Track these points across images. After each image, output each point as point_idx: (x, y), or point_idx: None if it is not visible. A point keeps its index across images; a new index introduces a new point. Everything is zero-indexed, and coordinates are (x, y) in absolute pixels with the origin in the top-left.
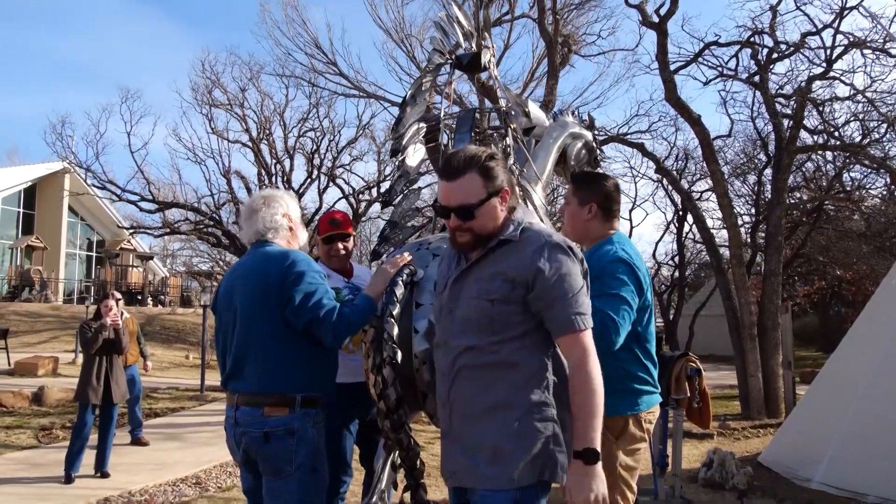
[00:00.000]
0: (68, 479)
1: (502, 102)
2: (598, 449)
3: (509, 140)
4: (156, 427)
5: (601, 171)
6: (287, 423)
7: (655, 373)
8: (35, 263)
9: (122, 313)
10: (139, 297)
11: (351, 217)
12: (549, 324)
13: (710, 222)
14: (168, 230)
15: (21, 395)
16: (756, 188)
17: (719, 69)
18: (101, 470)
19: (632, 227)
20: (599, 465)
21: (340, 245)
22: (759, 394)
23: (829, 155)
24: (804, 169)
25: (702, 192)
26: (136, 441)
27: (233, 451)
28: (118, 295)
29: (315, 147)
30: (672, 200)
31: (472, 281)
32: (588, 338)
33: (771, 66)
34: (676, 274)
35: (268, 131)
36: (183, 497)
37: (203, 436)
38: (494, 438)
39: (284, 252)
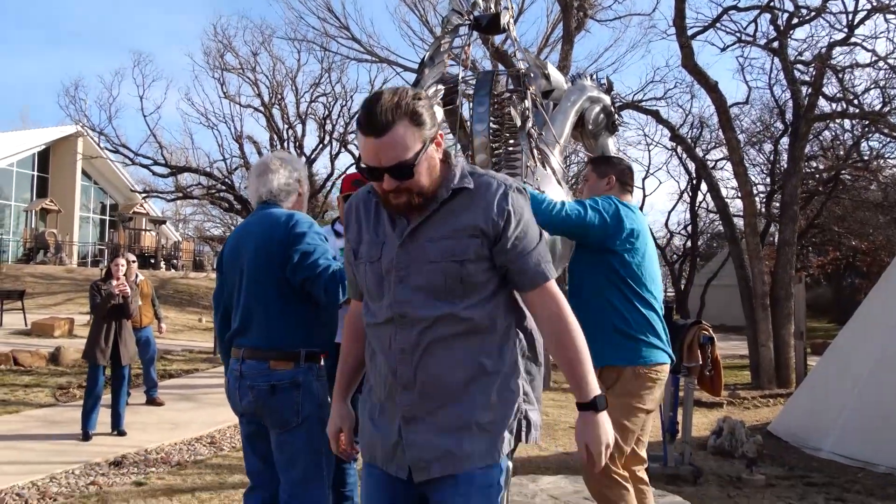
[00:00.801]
0: (86, 437)
1: (521, 64)
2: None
3: (528, 103)
4: (170, 388)
5: (618, 137)
6: (292, 377)
7: (659, 327)
8: (49, 226)
9: (136, 276)
10: (152, 261)
11: None
12: (517, 276)
13: (724, 191)
14: (181, 195)
15: (38, 354)
16: (772, 157)
17: (737, 35)
18: (117, 428)
19: (644, 196)
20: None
21: None
22: (769, 364)
23: (847, 123)
24: (821, 137)
25: (716, 161)
26: (152, 401)
27: (234, 401)
28: (132, 257)
29: (327, 113)
30: (686, 169)
31: (425, 242)
32: (556, 287)
33: (790, 32)
34: (689, 244)
35: (280, 96)
36: (198, 455)
37: (217, 397)
38: (479, 412)
39: (289, 214)
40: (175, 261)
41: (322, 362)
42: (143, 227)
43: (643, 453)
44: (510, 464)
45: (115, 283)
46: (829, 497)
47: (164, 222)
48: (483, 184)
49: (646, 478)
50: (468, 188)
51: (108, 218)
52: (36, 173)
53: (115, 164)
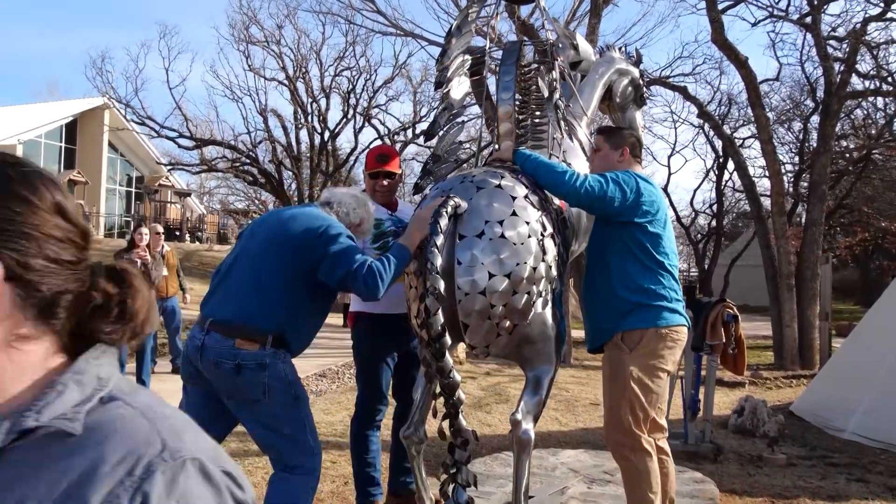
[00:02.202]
0: None
1: (550, 35)
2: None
3: (555, 74)
4: None
5: (644, 113)
6: (259, 358)
7: (679, 293)
8: (77, 198)
9: (162, 247)
10: (177, 233)
11: (399, 155)
12: None
13: (751, 170)
14: (205, 167)
15: None
16: (801, 135)
17: (769, 9)
18: None
19: (670, 174)
20: None
21: (385, 181)
22: (793, 344)
23: (880, 101)
24: (853, 116)
25: (744, 139)
26: (177, 370)
27: (186, 368)
28: (159, 228)
29: (351, 86)
30: (713, 147)
31: None
32: None
33: (824, 7)
34: (713, 223)
35: (304, 70)
36: None
37: None
38: None
39: (323, 216)
40: (200, 233)
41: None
42: (169, 200)
43: (663, 421)
44: None
45: (136, 251)
46: (851, 477)
47: (189, 195)
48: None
49: (666, 447)
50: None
51: (133, 190)
52: (63, 145)
53: (140, 137)
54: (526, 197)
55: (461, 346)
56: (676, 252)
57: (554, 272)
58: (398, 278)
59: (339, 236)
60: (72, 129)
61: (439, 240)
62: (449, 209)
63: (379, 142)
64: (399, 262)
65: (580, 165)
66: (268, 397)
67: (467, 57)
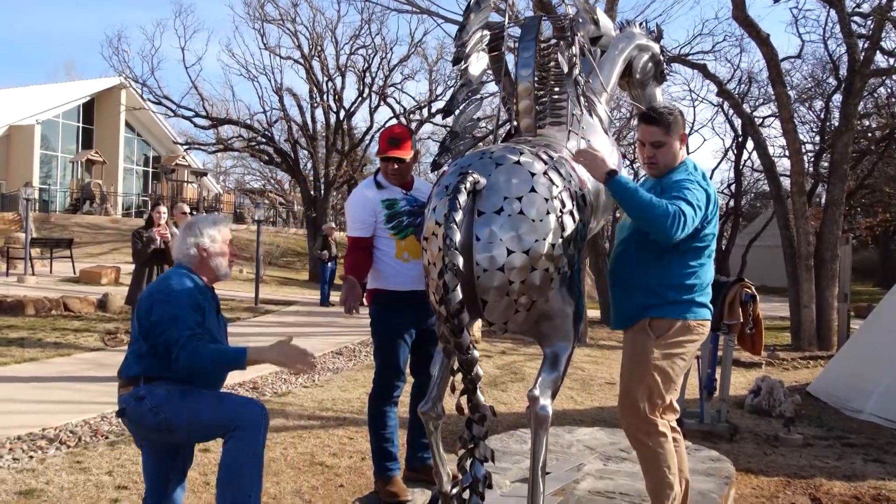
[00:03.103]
0: None
1: (570, 9)
2: None
3: (575, 49)
4: None
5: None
6: (134, 394)
7: (710, 285)
8: (95, 177)
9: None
10: (194, 212)
11: (410, 135)
12: None
13: (770, 149)
14: (222, 147)
15: (87, 301)
16: (823, 114)
17: None
18: None
19: (688, 153)
20: None
21: (395, 165)
22: (811, 325)
23: None
24: (876, 94)
25: (764, 118)
26: None
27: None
28: (186, 208)
29: (366, 65)
30: (732, 126)
31: None
32: None
33: None
34: (731, 203)
35: (319, 48)
36: None
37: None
38: None
39: (161, 287)
40: (217, 213)
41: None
42: (185, 180)
43: (676, 404)
44: None
45: (155, 229)
46: (868, 458)
47: (205, 174)
48: None
49: (678, 428)
50: None
51: (150, 170)
52: (81, 125)
53: (157, 116)
54: (545, 173)
55: (477, 325)
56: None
57: (572, 249)
58: None
59: (159, 311)
60: (89, 109)
61: (458, 216)
62: (468, 185)
63: (394, 121)
64: (221, 359)
65: (599, 142)
66: (163, 414)
67: (486, 32)
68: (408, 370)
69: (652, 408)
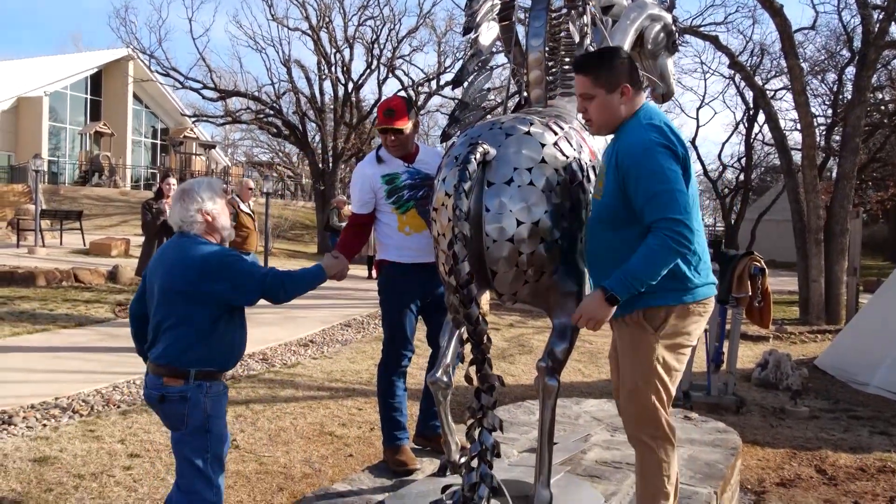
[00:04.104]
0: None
1: None
2: None
3: (586, 19)
4: None
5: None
6: (181, 391)
7: (707, 257)
8: (103, 150)
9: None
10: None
11: (408, 106)
12: None
13: (782, 123)
14: (230, 119)
15: (97, 272)
16: (835, 87)
17: None
18: None
19: (698, 127)
20: None
21: (393, 136)
22: (819, 299)
23: None
24: (890, 67)
25: (776, 91)
26: None
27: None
28: (172, 181)
29: (375, 36)
30: (743, 99)
31: None
32: None
33: None
34: (741, 177)
35: (328, 19)
36: (251, 371)
37: (267, 317)
38: None
39: (204, 254)
40: (225, 185)
41: (213, 381)
42: (194, 152)
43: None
44: None
45: (165, 201)
46: (874, 430)
47: (213, 147)
48: None
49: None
50: None
51: (159, 142)
52: (89, 97)
53: (165, 88)
54: (555, 144)
55: (485, 299)
56: (698, 202)
57: (582, 220)
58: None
59: (233, 264)
60: (97, 81)
61: (467, 186)
62: (478, 156)
63: (403, 93)
64: (312, 279)
65: None
66: (186, 427)
67: (496, 2)
68: (418, 342)
69: (660, 403)
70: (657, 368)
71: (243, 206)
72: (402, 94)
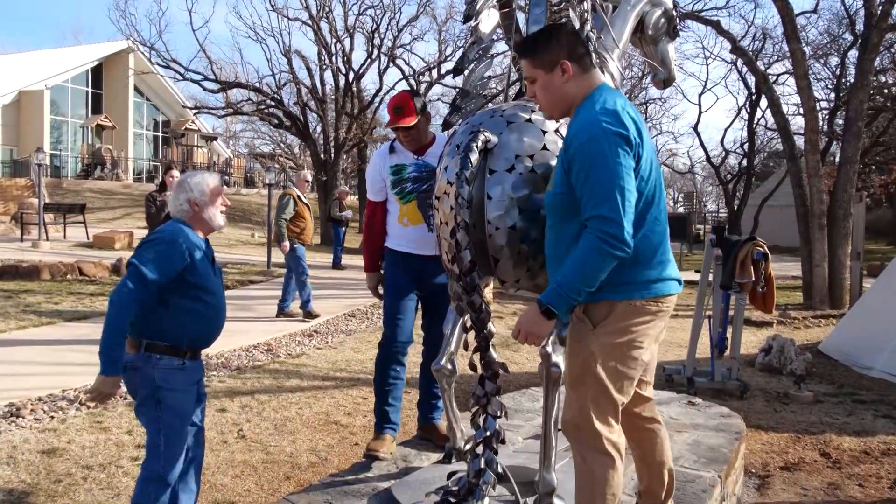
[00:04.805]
0: None
1: None
2: None
3: (587, 4)
4: (227, 299)
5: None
6: (132, 361)
7: (665, 249)
8: (105, 143)
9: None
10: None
11: (415, 99)
12: None
13: (784, 108)
14: (231, 110)
15: (101, 265)
16: (838, 70)
17: None
18: None
19: (700, 113)
20: None
21: (403, 133)
22: (823, 284)
23: None
24: (893, 50)
25: (778, 75)
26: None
27: None
28: (175, 173)
29: (375, 26)
30: (745, 84)
31: None
32: None
33: None
34: (744, 162)
35: (328, 8)
36: (256, 361)
37: (272, 308)
38: None
39: (155, 233)
40: (227, 177)
41: (165, 356)
42: (196, 144)
43: (648, 392)
44: None
45: (168, 193)
46: (878, 414)
47: (215, 139)
48: None
49: (655, 414)
50: None
51: (160, 134)
52: (90, 90)
53: (166, 80)
54: (556, 131)
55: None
56: (661, 186)
57: None
58: None
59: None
60: (97, 74)
61: (469, 174)
62: (479, 144)
63: (403, 83)
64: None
65: None
66: (137, 398)
67: None
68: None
69: (599, 413)
70: (596, 370)
71: (304, 198)
72: (406, 86)
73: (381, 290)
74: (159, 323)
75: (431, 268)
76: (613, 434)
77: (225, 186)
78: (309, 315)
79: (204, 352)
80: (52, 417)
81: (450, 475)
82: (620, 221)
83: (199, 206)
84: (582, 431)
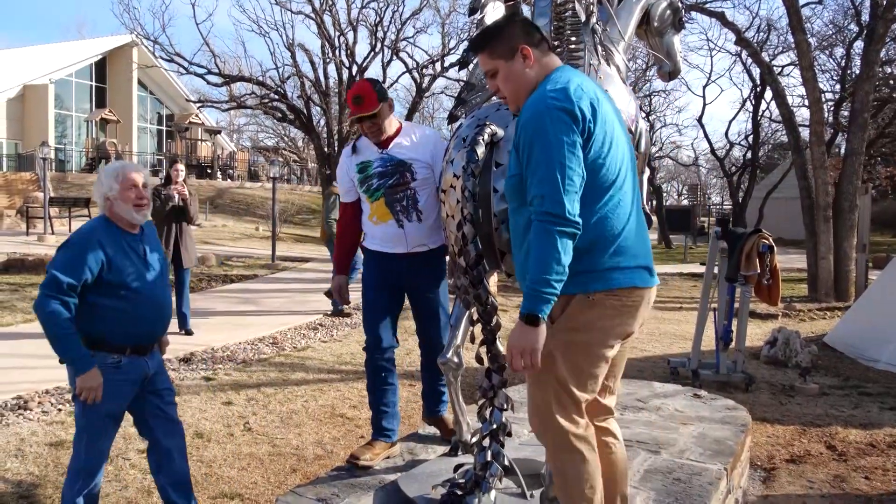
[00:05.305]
0: None
1: None
2: None
3: None
4: (233, 292)
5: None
6: None
7: (631, 239)
8: (109, 136)
9: None
10: (209, 171)
11: (376, 87)
12: None
13: (789, 99)
14: (235, 104)
15: None
16: (843, 62)
17: None
18: (184, 328)
19: (704, 105)
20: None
21: (368, 123)
22: (828, 276)
23: None
24: None
25: (783, 67)
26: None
27: None
28: (180, 167)
29: (378, 19)
30: (750, 75)
31: None
32: None
33: None
34: (749, 154)
35: (331, 2)
36: (261, 354)
37: (277, 301)
38: None
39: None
40: (231, 171)
41: (98, 352)
42: (199, 138)
43: (610, 402)
44: None
45: (173, 186)
46: (884, 406)
47: (219, 132)
48: None
49: (613, 428)
50: None
51: (164, 128)
52: (94, 84)
53: (169, 74)
54: None
55: (493, 279)
56: (628, 166)
57: None
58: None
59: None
60: (101, 68)
61: (475, 167)
62: (486, 137)
63: (407, 76)
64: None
65: (617, 92)
66: (72, 393)
67: None
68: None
69: (562, 411)
70: (552, 368)
71: None
72: (410, 80)
73: (342, 294)
74: (86, 321)
75: (405, 266)
76: (580, 429)
77: (229, 179)
78: (339, 314)
79: (210, 344)
80: (60, 410)
81: (456, 468)
82: (560, 199)
83: (111, 201)
84: (547, 431)
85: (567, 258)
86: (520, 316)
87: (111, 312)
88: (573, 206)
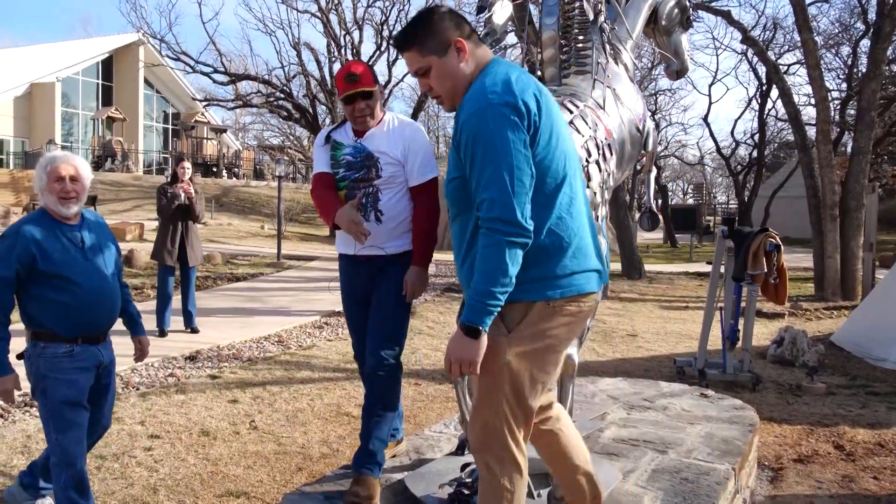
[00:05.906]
0: (162, 333)
1: None
2: None
3: None
4: (238, 290)
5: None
6: (26, 349)
7: (585, 241)
8: (115, 135)
9: None
10: (214, 169)
11: (371, 70)
12: None
13: (795, 98)
14: (240, 103)
15: None
16: (850, 60)
17: None
18: (190, 326)
19: (710, 103)
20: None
21: (363, 104)
22: (835, 275)
23: None
24: None
25: (789, 66)
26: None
27: None
28: (187, 164)
29: (384, 17)
30: (756, 74)
31: None
32: None
33: None
34: (755, 153)
35: (337, 0)
36: (267, 353)
37: (282, 300)
38: None
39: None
40: (236, 169)
41: (50, 342)
42: (205, 136)
43: (550, 396)
44: None
45: (179, 184)
46: (892, 406)
47: (224, 131)
48: None
49: (554, 412)
50: None
51: (170, 127)
52: (100, 82)
53: (175, 73)
54: (571, 122)
55: None
56: (574, 164)
57: (598, 199)
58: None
59: None
60: (108, 66)
61: None
62: None
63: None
64: None
65: (624, 90)
66: (31, 386)
67: None
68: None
69: (510, 425)
70: (508, 379)
71: None
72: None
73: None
74: (32, 312)
75: (364, 274)
76: (522, 445)
77: (235, 178)
78: None
79: (216, 342)
80: None
81: (463, 467)
82: (510, 203)
83: (40, 194)
84: (494, 442)
85: (515, 269)
86: (460, 325)
87: (55, 305)
88: (524, 210)
